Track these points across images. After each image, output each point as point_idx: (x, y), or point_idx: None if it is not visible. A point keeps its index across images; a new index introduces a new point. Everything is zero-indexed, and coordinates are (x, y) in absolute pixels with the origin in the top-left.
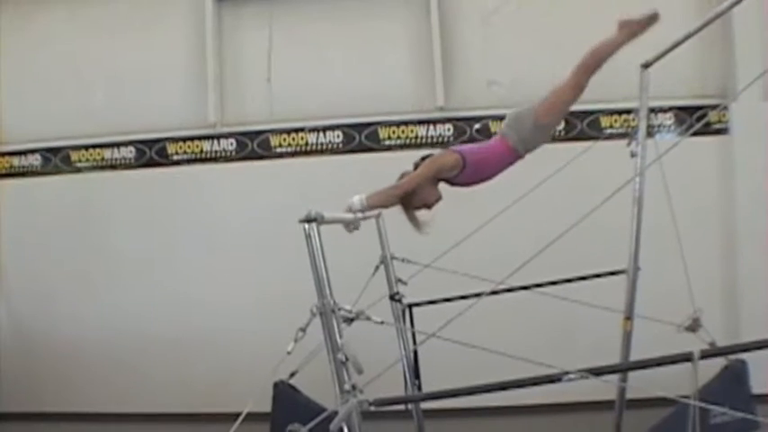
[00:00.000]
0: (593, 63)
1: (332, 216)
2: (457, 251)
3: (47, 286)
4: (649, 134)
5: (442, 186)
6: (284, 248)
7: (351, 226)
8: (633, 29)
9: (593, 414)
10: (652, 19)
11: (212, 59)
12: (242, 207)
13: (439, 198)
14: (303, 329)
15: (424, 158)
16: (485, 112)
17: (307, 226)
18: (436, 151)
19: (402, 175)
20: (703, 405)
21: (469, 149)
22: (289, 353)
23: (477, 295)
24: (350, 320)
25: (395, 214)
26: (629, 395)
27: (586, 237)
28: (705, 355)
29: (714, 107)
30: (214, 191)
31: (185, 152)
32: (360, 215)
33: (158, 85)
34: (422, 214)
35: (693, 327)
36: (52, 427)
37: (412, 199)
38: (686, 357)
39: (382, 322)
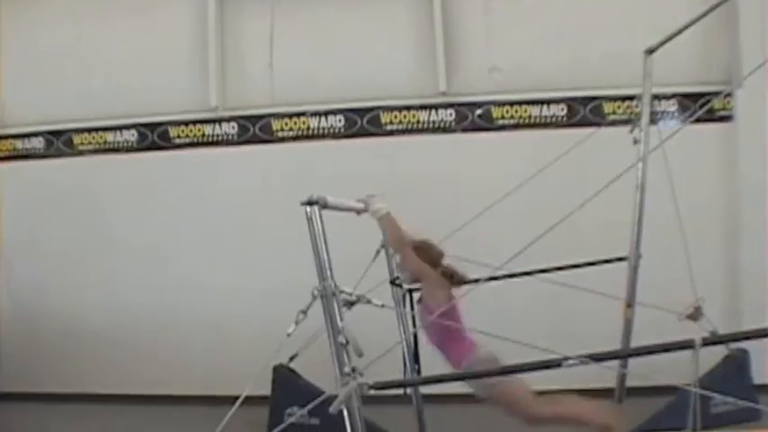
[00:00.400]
0: (550, 419)
1: (334, 201)
2: (458, 236)
3: (49, 268)
4: (652, 121)
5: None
6: (286, 232)
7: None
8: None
9: (595, 401)
10: None
11: (214, 43)
12: (243, 191)
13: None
14: (304, 311)
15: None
16: (486, 97)
17: (308, 209)
18: (437, 138)
19: (421, 245)
20: (705, 392)
21: (455, 314)
22: (289, 335)
23: (476, 281)
24: (350, 304)
25: (396, 201)
26: (630, 383)
27: (588, 223)
28: (707, 342)
29: (718, 94)
30: (216, 174)
31: (187, 136)
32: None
33: (160, 68)
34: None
35: (695, 315)
36: (51, 408)
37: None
38: (688, 344)
39: (383, 306)
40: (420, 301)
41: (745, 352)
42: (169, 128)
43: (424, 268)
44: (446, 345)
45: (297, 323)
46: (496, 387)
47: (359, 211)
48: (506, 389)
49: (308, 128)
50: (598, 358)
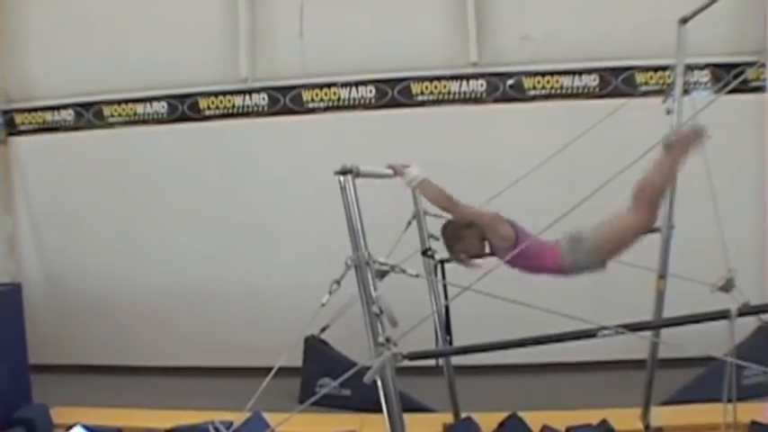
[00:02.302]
0: (652, 194)
1: (366, 170)
2: (489, 207)
3: (79, 241)
4: (685, 91)
5: None
6: (317, 202)
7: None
8: (681, 149)
9: (624, 372)
10: (698, 134)
11: (244, 14)
12: (274, 162)
13: (482, 253)
14: (338, 282)
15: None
16: (518, 67)
17: (342, 178)
18: (469, 108)
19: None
20: (742, 363)
21: (526, 234)
22: (323, 305)
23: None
24: (383, 275)
25: (427, 172)
26: (661, 354)
27: (621, 194)
28: (742, 313)
29: (752, 64)
30: (246, 146)
31: (217, 107)
32: (408, 184)
33: (190, 39)
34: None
35: (727, 287)
36: (85, 380)
37: (456, 244)
38: (723, 315)
39: (417, 275)
40: (493, 252)
41: None
42: (199, 99)
43: (479, 214)
44: (537, 262)
45: (330, 293)
46: (601, 234)
47: (394, 175)
48: (613, 233)
49: (339, 98)
50: (634, 328)
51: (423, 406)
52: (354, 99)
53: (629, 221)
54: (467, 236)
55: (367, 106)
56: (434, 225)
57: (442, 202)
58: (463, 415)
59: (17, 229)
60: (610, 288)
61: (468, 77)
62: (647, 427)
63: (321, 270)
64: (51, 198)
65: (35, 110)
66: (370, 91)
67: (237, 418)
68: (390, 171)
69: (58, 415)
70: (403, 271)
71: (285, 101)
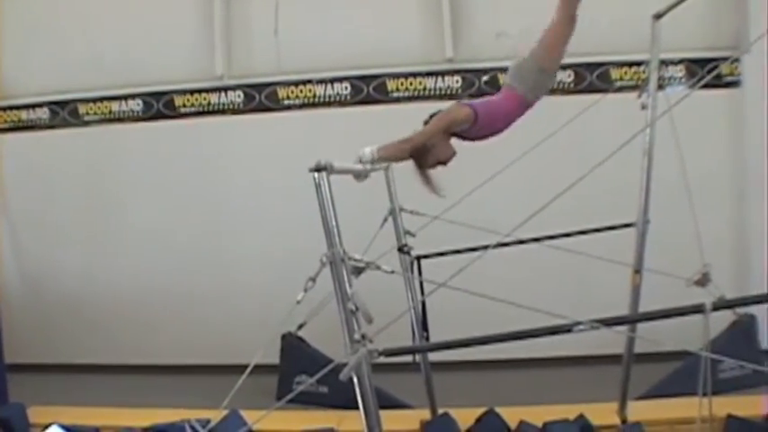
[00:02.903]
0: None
1: (341, 166)
2: (466, 203)
3: (55, 239)
4: (660, 87)
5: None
6: (293, 200)
7: (360, 176)
8: None
9: (601, 367)
10: None
11: (219, 11)
12: (250, 159)
13: (453, 154)
14: (313, 279)
15: (432, 115)
16: (493, 63)
17: (317, 175)
18: (445, 105)
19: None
20: (716, 357)
21: (480, 102)
22: (298, 302)
23: (485, 247)
24: (359, 271)
25: (404, 166)
26: (637, 349)
27: (596, 190)
28: (717, 307)
29: (725, 59)
30: (221, 143)
31: (192, 105)
32: (369, 167)
33: (166, 37)
34: (436, 175)
35: (702, 281)
36: (62, 379)
37: (426, 158)
38: (698, 309)
39: (392, 272)
40: (466, 138)
41: (752, 317)
42: (174, 97)
43: (430, 126)
44: (506, 119)
45: (306, 290)
46: (536, 52)
47: (366, 172)
48: (546, 42)
49: (315, 96)
50: (609, 323)
51: (400, 402)
52: (330, 96)
53: (555, 24)
54: (433, 145)
55: (342, 103)
56: (410, 221)
57: (404, 147)
58: (440, 411)
59: None
60: (585, 283)
61: (443, 74)
62: (623, 421)
63: (298, 267)
64: (27, 196)
65: (10, 108)
66: (346, 88)
67: (214, 415)
68: (361, 166)
69: (35, 414)
70: (378, 267)
71: (260, 98)
